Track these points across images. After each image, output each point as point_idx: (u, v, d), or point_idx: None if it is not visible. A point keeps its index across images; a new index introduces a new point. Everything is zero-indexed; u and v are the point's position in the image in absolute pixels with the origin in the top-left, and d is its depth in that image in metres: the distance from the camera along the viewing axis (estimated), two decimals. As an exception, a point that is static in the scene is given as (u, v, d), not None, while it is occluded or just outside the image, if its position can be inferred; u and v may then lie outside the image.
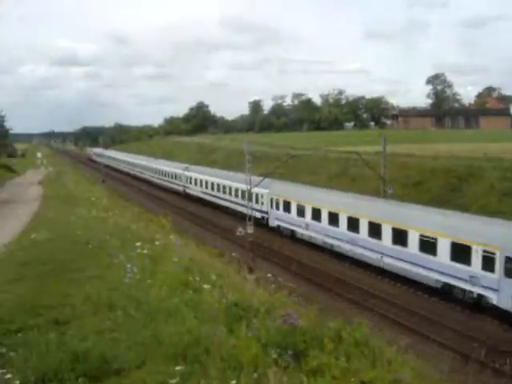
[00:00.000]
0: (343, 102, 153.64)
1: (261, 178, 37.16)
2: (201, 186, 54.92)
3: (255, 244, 31.89)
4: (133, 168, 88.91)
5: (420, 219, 26.71)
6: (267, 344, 8.61)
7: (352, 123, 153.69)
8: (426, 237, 25.35)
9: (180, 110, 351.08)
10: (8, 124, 77.30)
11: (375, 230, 29.17)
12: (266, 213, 41.35)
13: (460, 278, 23.22)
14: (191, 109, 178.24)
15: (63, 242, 18.56)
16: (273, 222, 40.35)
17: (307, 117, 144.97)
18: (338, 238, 32.35)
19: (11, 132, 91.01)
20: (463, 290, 23.32)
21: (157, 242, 17.48)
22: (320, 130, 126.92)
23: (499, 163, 39.96)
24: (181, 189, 61.14)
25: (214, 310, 10.37)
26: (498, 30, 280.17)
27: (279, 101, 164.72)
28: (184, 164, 66.73)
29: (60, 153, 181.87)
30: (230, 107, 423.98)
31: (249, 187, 33.65)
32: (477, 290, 22.35)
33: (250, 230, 32.70)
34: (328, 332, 9.41)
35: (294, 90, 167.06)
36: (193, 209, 54.37)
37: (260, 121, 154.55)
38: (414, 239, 26.26)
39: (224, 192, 48.58)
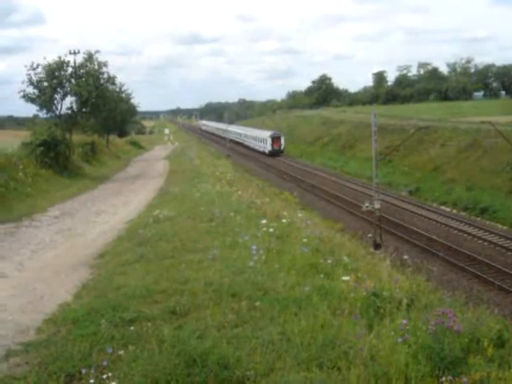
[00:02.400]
0: (472, 70, 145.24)
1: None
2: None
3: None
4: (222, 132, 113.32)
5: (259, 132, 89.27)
6: (417, 349, 7.05)
7: (481, 93, 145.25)
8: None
9: (303, 84, 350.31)
10: (135, 102, 79.19)
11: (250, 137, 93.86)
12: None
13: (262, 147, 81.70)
14: (314, 82, 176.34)
15: (186, 219, 17.63)
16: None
17: (434, 87, 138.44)
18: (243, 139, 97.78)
19: (139, 110, 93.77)
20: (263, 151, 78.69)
21: (283, 220, 16.18)
22: (448, 101, 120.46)
23: None
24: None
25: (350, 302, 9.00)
26: None
27: (404, 71, 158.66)
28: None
29: (186, 128, 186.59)
30: (353, 79, 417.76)
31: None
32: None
33: (377, 204, 31.40)
34: (488, 333, 7.64)
35: (419, 60, 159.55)
36: (316, 182, 53.47)
37: (384, 92, 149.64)
38: (260, 139, 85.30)
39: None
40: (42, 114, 44.69)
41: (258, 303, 8.89)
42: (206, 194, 24.10)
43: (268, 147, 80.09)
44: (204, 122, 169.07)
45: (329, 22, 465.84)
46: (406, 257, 15.12)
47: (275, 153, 78.28)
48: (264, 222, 15.07)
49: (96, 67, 42.19)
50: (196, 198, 23.31)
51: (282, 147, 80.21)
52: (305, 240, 13.17)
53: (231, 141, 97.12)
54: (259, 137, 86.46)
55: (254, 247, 11.71)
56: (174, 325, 8.18)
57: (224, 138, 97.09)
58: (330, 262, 11.64)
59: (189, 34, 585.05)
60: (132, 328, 8.09)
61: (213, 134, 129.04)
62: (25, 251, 16.21)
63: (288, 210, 21.93)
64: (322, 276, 10.74)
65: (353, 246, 17.87)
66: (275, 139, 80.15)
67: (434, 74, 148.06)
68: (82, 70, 41.60)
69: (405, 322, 7.60)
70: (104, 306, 9.14)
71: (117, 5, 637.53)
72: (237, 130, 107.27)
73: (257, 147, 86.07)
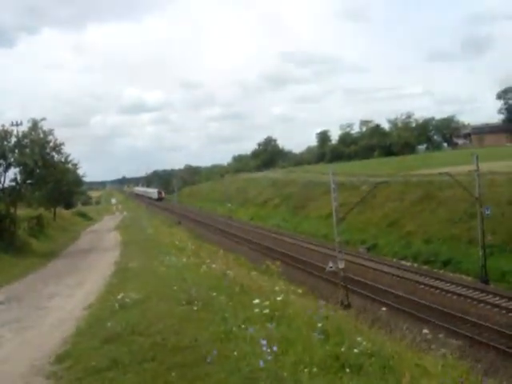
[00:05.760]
0: (412, 125, 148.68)
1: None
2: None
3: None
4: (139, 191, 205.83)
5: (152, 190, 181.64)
6: None
7: (424, 146, 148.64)
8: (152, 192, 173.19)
9: (248, 147, 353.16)
10: (81, 172, 77.16)
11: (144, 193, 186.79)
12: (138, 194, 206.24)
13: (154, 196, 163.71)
14: (259, 145, 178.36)
15: (159, 302, 14.38)
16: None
17: (377, 143, 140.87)
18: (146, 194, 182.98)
19: (85, 180, 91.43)
20: (154, 198, 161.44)
21: (278, 298, 13.54)
22: (392, 156, 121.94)
23: None
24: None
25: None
26: None
27: (347, 129, 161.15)
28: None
29: (133, 197, 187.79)
30: (297, 140, 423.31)
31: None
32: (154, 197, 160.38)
33: (341, 264, 30.58)
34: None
35: (360, 118, 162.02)
36: (269, 243, 52.33)
37: (329, 151, 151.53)
38: (152, 192, 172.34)
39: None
40: (-16, 188, 41.77)
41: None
42: (172, 267, 21.54)
43: (155, 196, 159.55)
44: (134, 188, 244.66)
45: (271, 86, 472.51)
46: (425, 331, 12.89)
47: (159, 199, 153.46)
48: (256, 301, 12.58)
49: (41, 135, 39.84)
50: (162, 273, 20.61)
51: (163, 195, 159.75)
52: (319, 325, 10.71)
53: (142, 195, 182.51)
54: (152, 191, 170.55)
55: (265, 342, 9.16)
56: None
57: (144, 196, 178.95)
58: (356, 351, 9.28)
59: (133, 103, 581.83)
60: None
61: (137, 194, 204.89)
62: (-37, 352, 13.24)
63: (270, 283, 19.51)
64: (347, 371, 8.46)
65: (351, 320, 15.60)
66: (159, 192, 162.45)
67: (376, 130, 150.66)
68: (26, 140, 39.17)
69: None
70: None
71: (60, 76, 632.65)
72: (143, 189, 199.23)
73: (152, 197, 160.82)
